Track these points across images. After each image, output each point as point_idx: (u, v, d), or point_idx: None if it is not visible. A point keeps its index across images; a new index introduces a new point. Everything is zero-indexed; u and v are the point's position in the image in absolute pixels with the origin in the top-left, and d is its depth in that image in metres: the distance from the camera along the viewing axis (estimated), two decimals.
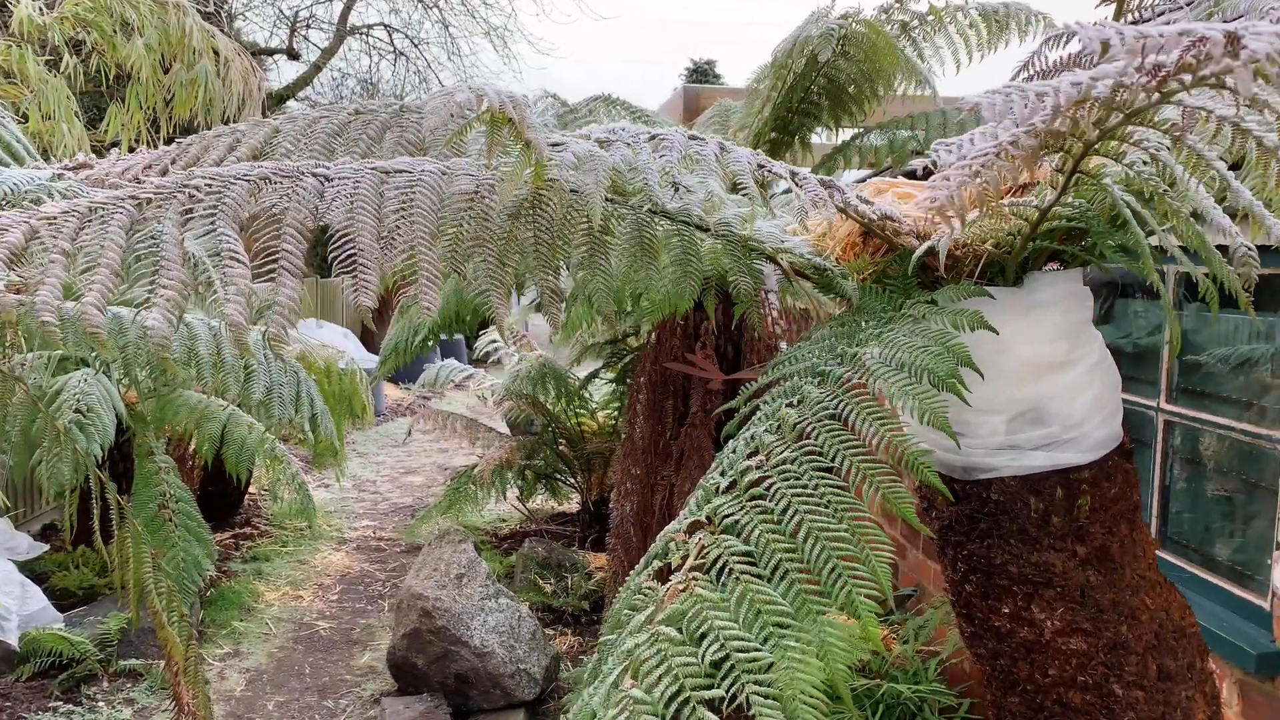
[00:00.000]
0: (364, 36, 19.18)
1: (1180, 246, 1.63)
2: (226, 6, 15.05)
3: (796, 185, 1.58)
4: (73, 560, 5.39)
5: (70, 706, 4.24)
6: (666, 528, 1.49)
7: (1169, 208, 1.22)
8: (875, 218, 1.61)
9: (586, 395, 6.54)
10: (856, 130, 4.39)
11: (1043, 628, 1.82)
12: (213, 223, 1.36)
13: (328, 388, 7.03)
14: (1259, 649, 2.27)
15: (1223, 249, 1.42)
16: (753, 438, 1.51)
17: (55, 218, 1.31)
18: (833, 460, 1.43)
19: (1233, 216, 1.22)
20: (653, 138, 1.51)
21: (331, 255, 1.37)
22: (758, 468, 1.43)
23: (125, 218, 1.33)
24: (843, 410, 1.48)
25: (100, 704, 4.33)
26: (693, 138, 1.54)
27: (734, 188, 1.57)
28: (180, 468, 6.73)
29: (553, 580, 5.55)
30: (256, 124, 2.10)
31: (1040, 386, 1.76)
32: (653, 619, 1.32)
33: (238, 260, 1.32)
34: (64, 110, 4.03)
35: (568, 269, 1.66)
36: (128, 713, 4.28)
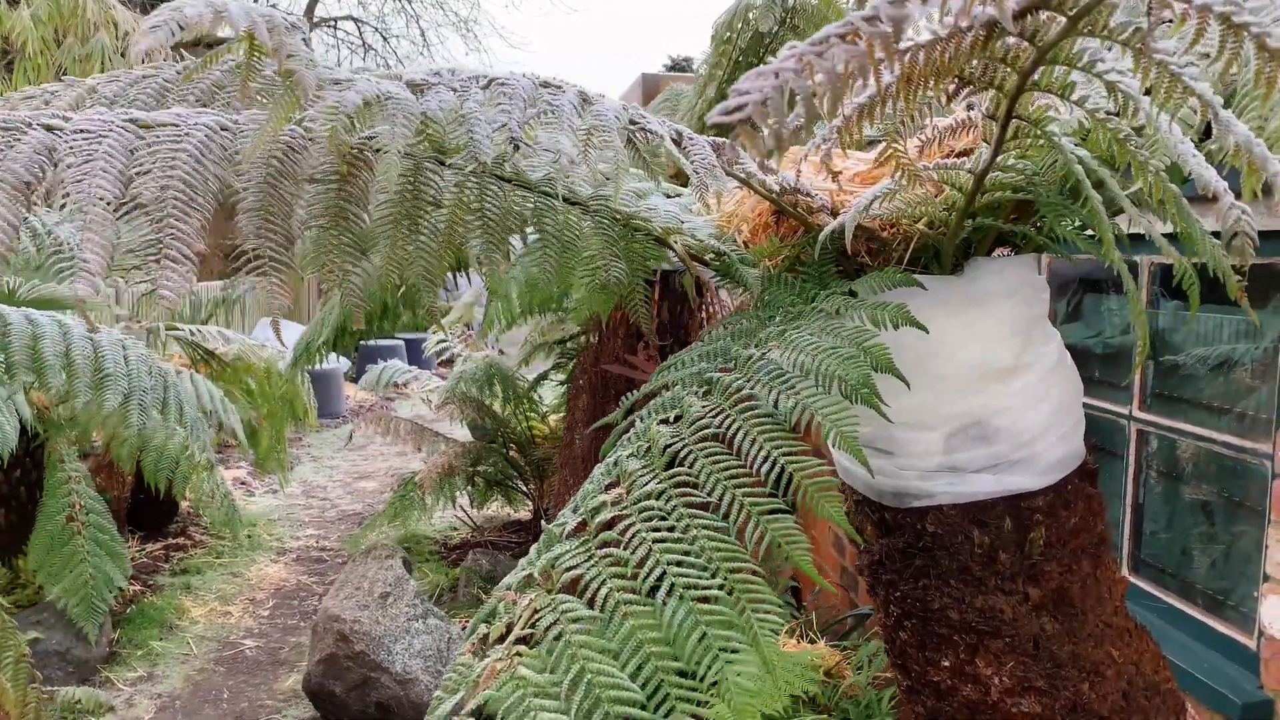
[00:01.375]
0: (331, 29, 18.79)
1: (1167, 235, 1.33)
2: None
3: (679, 150, 1.28)
4: None
5: None
6: (506, 578, 1.18)
7: (1134, 158, 0.92)
8: (777, 190, 1.30)
9: (536, 398, 6.21)
10: None
11: (989, 685, 1.51)
12: None
13: (268, 389, 6.68)
14: (1245, 696, 1.97)
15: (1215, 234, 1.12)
16: (615, 464, 1.19)
17: None
18: (710, 493, 1.12)
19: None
20: (490, 83, 1.19)
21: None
22: (614, 503, 1.12)
23: None
24: (729, 428, 1.17)
25: None
26: (545, 84, 1.23)
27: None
28: (111, 474, 6.37)
29: None
30: (71, 83, 1.77)
31: (985, 396, 1.46)
32: (461, 708, 1.01)
33: None
34: None
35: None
36: None
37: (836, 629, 3.94)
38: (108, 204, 1.08)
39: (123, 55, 4.13)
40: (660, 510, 1.09)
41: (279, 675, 4.72)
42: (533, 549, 1.14)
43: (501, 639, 1.05)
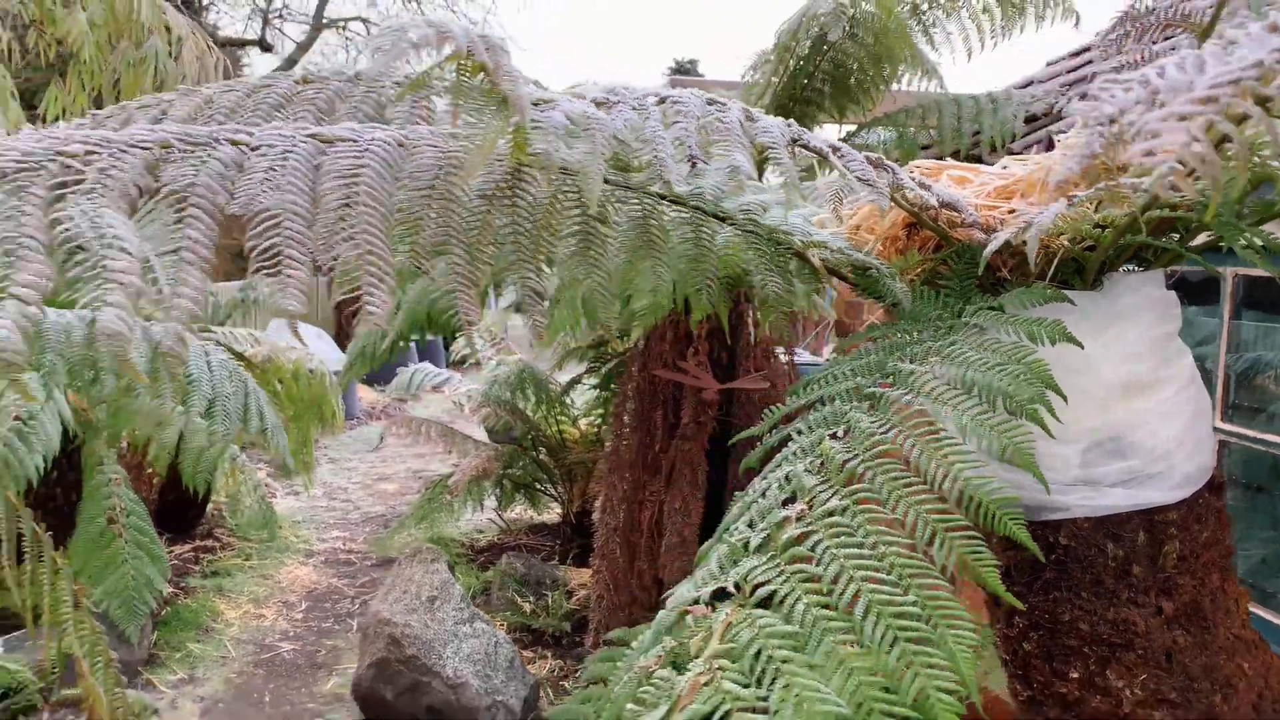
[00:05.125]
0: (341, 30, 18.79)
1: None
2: None
3: (839, 162, 1.28)
4: (15, 578, 5.01)
5: None
6: (678, 591, 1.18)
7: None
8: (935, 204, 1.31)
9: (568, 402, 6.21)
10: (858, 123, 4.10)
11: (1120, 697, 1.52)
12: (93, 202, 1.04)
13: (296, 392, 6.68)
14: None
15: None
16: (788, 478, 1.20)
17: None
18: (894, 510, 1.13)
19: None
20: (662, 100, 1.20)
21: (250, 244, 1.05)
22: (798, 519, 1.13)
23: None
24: (902, 444, 1.18)
25: None
26: (711, 102, 1.24)
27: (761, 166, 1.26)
28: (138, 476, 6.36)
29: (531, 598, 5.23)
30: (186, 93, 1.78)
31: (1122, 412, 1.47)
32: None
33: (123, 251, 1.00)
34: None
35: (550, 265, 1.36)
36: None
37: None
38: (303, 220, 1.09)
39: (175, 60, 4.13)
40: (846, 527, 1.10)
41: (318, 678, 4.73)
42: (712, 561, 1.15)
43: (698, 655, 1.06)
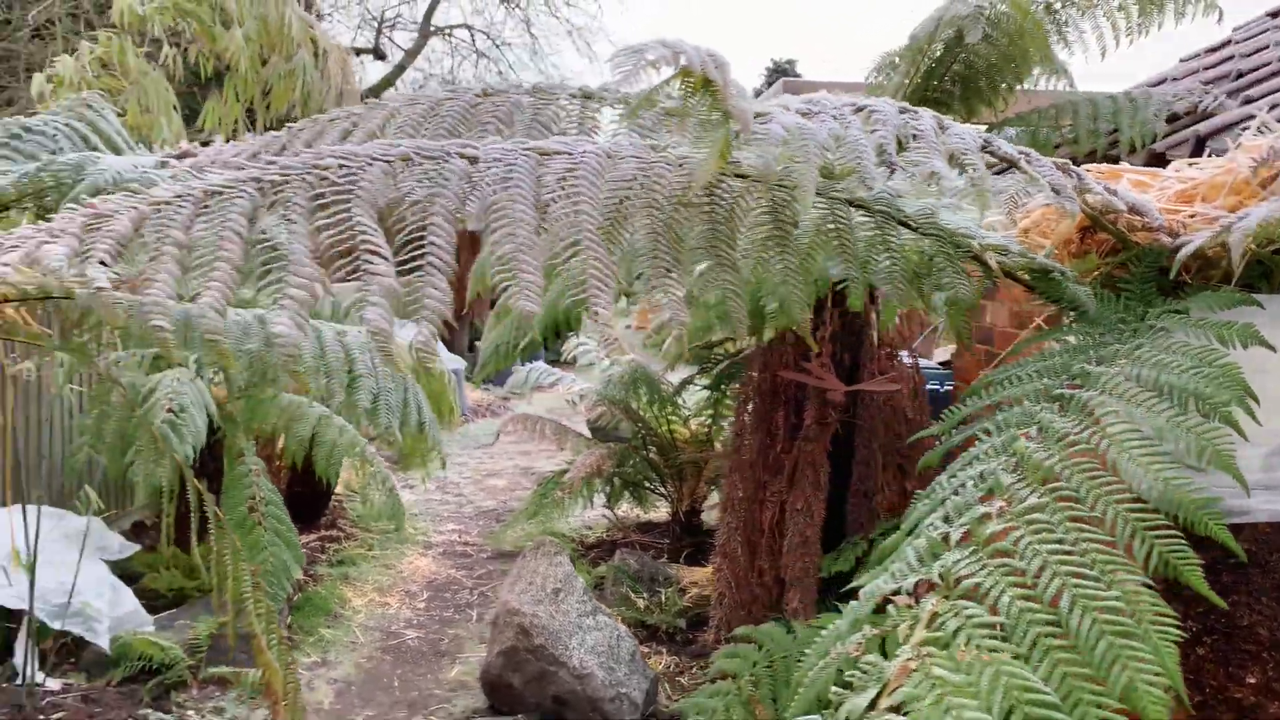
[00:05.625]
0: (447, 37, 19.28)
1: None
2: (314, 7, 15.18)
3: (1030, 168, 1.31)
4: (163, 561, 5.33)
5: (160, 714, 4.13)
6: (873, 582, 1.23)
7: None
8: (1123, 208, 1.33)
9: (679, 402, 6.29)
10: (989, 124, 4.06)
11: None
12: (347, 210, 1.14)
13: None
14: None
15: None
16: (982, 476, 1.24)
17: (167, 203, 1.11)
18: (1091, 508, 1.15)
19: None
20: (860, 109, 1.25)
21: (488, 251, 1.14)
22: (998, 515, 1.16)
23: (247, 204, 1.12)
24: (1098, 445, 1.21)
25: (190, 712, 4.23)
26: (903, 110, 1.28)
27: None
28: (268, 468, 6.68)
29: (645, 595, 5.31)
30: (373, 106, 1.90)
31: None
32: (877, 704, 1.06)
33: (378, 255, 1.10)
34: (163, 103, 3.94)
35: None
36: None
37: None
38: (531, 228, 1.18)
39: (320, 74, 4.36)
40: (1047, 523, 1.13)
41: (442, 665, 4.90)
42: (909, 555, 1.19)
43: (905, 642, 1.10)
